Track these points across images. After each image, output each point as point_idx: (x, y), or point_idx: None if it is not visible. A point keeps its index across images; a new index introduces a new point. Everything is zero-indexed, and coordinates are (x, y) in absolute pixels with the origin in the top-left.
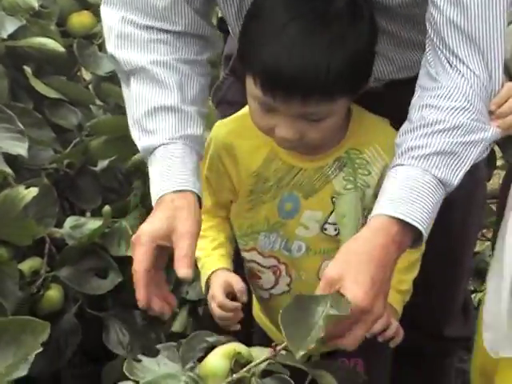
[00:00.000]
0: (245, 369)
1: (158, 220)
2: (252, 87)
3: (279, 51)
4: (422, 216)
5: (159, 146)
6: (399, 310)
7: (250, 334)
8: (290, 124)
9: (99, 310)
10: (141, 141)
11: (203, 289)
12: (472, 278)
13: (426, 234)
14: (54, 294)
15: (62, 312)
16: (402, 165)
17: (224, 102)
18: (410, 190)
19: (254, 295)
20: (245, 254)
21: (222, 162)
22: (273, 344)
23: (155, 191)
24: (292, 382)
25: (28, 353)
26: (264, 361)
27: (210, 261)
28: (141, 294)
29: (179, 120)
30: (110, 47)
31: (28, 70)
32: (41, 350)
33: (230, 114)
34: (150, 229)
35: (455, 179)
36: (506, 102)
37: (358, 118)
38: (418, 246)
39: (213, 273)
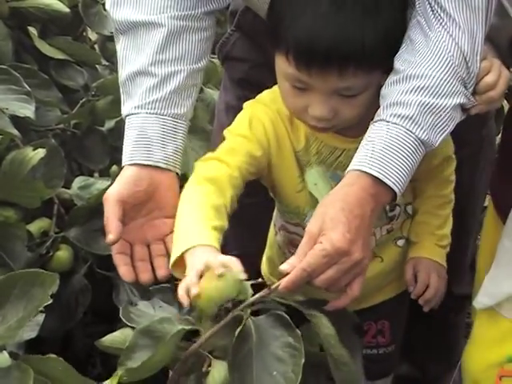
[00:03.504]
0: (240, 307)
1: None
2: (284, 66)
3: (312, 23)
4: (394, 172)
5: (125, 116)
6: (445, 264)
7: None
8: (323, 101)
9: (109, 269)
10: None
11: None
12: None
13: (398, 191)
14: (63, 254)
15: (72, 272)
16: (386, 121)
17: (230, 58)
18: (390, 149)
19: (267, 257)
20: (287, 226)
21: (268, 138)
22: (268, 283)
23: None
24: (287, 317)
25: (38, 305)
26: (259, 299)
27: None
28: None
29: (146, 87)
30: (108, 4)
31: (32, 31)
32: (51, 301)
33: (236, 71)
34: None
35: (437, 141)
36: (481, 79)
37: None
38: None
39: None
